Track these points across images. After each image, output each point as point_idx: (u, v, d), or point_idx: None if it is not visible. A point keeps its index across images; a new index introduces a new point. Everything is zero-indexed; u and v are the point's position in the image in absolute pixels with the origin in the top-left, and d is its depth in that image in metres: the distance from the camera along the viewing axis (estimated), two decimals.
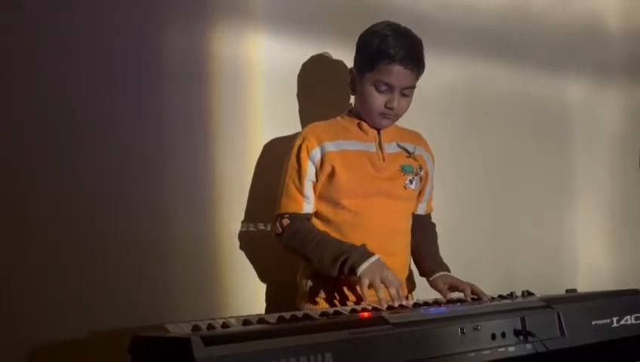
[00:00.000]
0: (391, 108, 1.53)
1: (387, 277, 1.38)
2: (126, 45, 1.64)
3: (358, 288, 1.44)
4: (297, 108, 1.84)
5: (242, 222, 1.78)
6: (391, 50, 1.48)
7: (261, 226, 1.78)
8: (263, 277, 1.81)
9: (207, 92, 1.74)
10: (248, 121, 1.78)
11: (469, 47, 2.15)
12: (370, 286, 1.38)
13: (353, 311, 1.30)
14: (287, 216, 1.55)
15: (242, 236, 1.78)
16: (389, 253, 1.57)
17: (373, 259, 1.43)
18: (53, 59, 1.56)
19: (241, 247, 1.78)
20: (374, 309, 1.29)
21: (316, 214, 1.58)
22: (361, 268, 1.41)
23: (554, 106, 2.38)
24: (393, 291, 1.35)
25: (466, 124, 2.18)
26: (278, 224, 1.56)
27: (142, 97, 1.67)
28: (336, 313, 1.24)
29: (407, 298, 1.62)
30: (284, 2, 1.82)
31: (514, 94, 2.26)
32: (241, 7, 1.78)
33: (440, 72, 2.02)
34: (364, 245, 1.47)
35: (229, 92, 1.76)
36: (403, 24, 1.55)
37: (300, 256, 1.57)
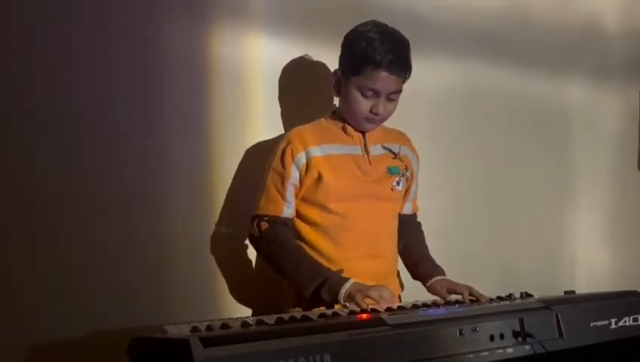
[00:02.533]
0: (376, 114, 1.52)
1: (372, 286, 1.38)
2: (125, 45, 1.64)
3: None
4: (296, 109, 1.84)
5: (242, 223, 1.77)
6: (377, 55, 1.47)
7: None
8: (262, 279, 1.80)
9: (206, 92, 1.74)
10: (247, 121, 1.79)
11: (468, 48, 2.15)
12: (364, 296, 1.37)
13: (352, 312, 1.30)
14: (266, 218, 1.54)
15: (242, 237, 1.78)
16: (378, 255, 1.58)
17: (351, 281, 1.42)
18: (52, 59, 1.57)
19: (241, 249, 1.78)
20: (373, 310, 1.29)
21: (303, 218, 1.57)
22: (344, 289, 1.39)
23: (553, 107, 2.38)
24: (386, 293, 1.35)
25: (465, 125, 2.18)
26: (255, 226, 1.55)
27: (141, 97, 1.67)
28: (335, 314, 1.24)
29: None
30: (283, 3, 1.82)
31: (513, 95, 2.26)
32: (240, 8, 1.78)
33: (439, 73, 2.02)
34: (341, 270, 1.46)
35: (229, 92, 1.76)
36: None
37: (272, 265, 1.55)
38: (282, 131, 1.80)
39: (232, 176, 1.78)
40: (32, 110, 1.55)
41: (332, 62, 1.83)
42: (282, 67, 1.82)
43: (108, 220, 1.62)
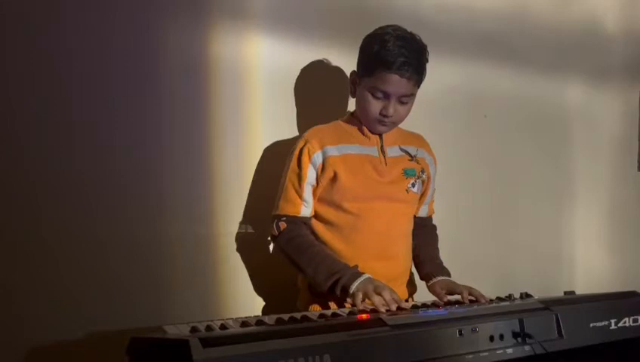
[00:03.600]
0: (385, 116, 1.52)
1: (379, 286, 1.38)
2: (125, 46, 1.64)
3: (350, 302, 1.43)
4: (296, 110, 1.84)
5: (241, 224, 1.78)
6: (389, 57, 1.46)
7: (260, 228, 1.78)
8: (261, 279, 1.81)
9: (206, 93, 1.74)
10: (247, 122, 1.78)
11: (468, 50, 2.15)
12: (364, 298, 1.37)
13: (351, 313, 1.30)
14: (284, 218, 1.55)
15: (241, 238, 1.78)
16: (391, 257, 1.58)
17: (363, 277, 1.42)
18: (51, 59, 1.56)
19: (240, 249, 1.78)
20: (373, 311, 1.30)
21: (318, 216, 1.58)
22: (353, 286, 1.40)
23: (553, 108, 2.38)
24: (387, 296, 1.35)
25: (465, 127, 2.18)
26: (274, 226, 1.56)
27: (141, 99, 1.67)
28: (335, 315, 1.25)
29: (407, 301, 1.62)
30: (283, 4, 1.82)
31: (513, 96, 2.26)
32: (240, 8, 1.78)
33: (439, 75, 2.01)
34: (355, 266, 1.46)
35: (228, 94, 1.76)
36: (403, 26, 1.55)
37: (292, 263, 1.55)
38: (282, 132, 1.80)
39: (232, 176, 1.77)
40: (32, 110, 1.55)
41: (333, 63, 1.84)
42: (282, 68, 1.81)
43: (108, 221, 1.62)
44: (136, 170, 1.67)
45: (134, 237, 1.64)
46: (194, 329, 1.10)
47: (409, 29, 1.54)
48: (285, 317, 1.21)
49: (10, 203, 1.53)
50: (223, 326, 1.13)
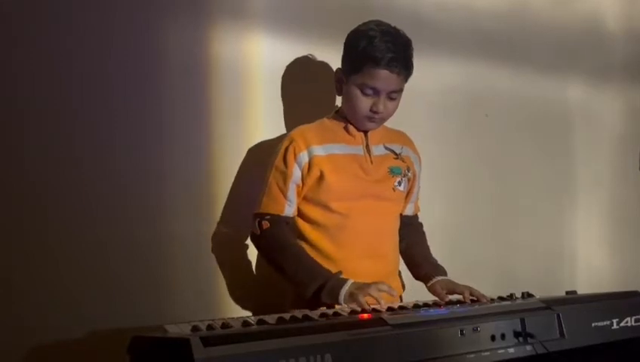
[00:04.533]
0: (376, 112, 1.52)
1: (377, 283, 1.38)
2: (125, 46, 1.64)
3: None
4: (296, 109, 1.84)
5: (242, 223, 1.77)
6: (377, 53, 1.46)
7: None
8: (262, 278, 1.81)
9: (206, 92, 1.74)
10: (247, 121, 1.78)
11: (468, 49, 2.14)
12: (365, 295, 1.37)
13: (353, 312, 1.29)
14: (267, 217, 1.54)
15: (243, 236, 1.77)
16: (379, 255, 1.58)
17: (349, 282, 1.41)
18: (51, 59, 1.56)
19: (241, 248, 1.78)
20: (374, 310, 1.29)
21: (305, 217, 1.57)
22: (344, 290, 1.39)
23: (554, 108, 2.38)
24: (385, 287, 1.35)
25: (465, 127, 2.17)
26: (256, 224, 1.55)
27: (141, 99, 1.67)
28: (336, 314, 1.24)
29: (401, 297, 1.62)
30: (283, 4, 1.82)
31: (514, 96, 2.26)
32: (240, 8, 1.78)
33: (440, 74, 2.02)
34: (339, 271, 1.45)
35: (229, 92, 1.76)
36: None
37: (271, 263, 1.55)
38: (282, 131, 1.80)
39: (232, 175, 1.77)
40: (31, 109, 1.55)
41: (333, 62, 1.83)
42: (282, 67, 1.81)
43: (108, 220, 1.61)
44: (136, 170, 1.66)
45: (134, 237, 1.64)
46: (195, 329, 1.10)
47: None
48: (286, 316, 1.21)
49: (10, 203, 1.53)
50: (224, 325, 1.12)
